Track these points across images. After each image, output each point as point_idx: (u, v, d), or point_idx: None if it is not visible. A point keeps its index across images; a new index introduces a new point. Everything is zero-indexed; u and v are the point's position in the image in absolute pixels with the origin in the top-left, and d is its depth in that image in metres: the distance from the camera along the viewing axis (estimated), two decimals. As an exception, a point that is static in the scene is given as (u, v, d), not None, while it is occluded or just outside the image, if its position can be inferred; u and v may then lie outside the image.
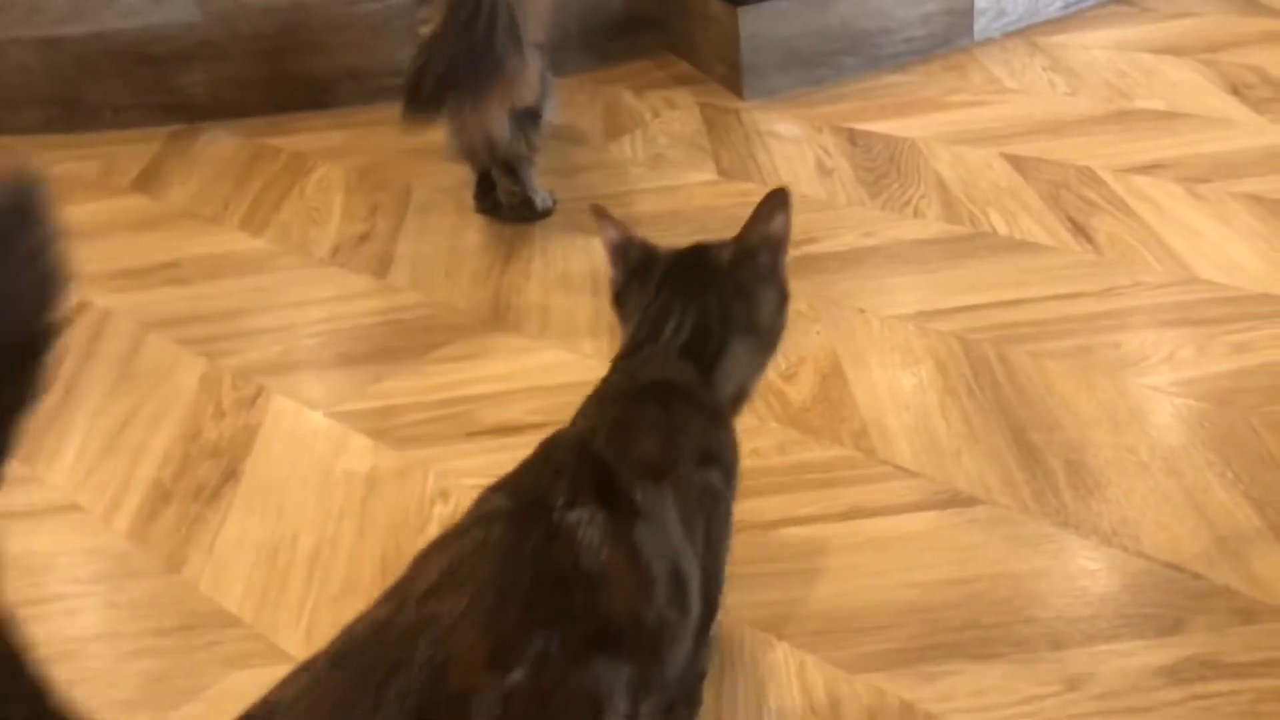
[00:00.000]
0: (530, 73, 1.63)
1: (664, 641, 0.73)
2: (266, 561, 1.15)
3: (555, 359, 1.43)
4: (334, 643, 0.68)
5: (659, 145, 1.96)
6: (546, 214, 1.77)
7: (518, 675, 0.63)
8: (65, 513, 1.26)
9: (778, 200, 0.94)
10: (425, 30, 1.62)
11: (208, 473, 1.29)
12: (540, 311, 1.53)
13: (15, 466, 1.31)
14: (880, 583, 1.05)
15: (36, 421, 1.40)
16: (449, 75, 1.53)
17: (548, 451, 0.84)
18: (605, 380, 0.91)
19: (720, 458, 0.87)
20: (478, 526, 0.73)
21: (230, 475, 1.28)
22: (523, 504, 0.76)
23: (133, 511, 1.24)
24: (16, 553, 1.21)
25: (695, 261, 0.97)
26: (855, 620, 1.01)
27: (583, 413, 0.89)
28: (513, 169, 1.73)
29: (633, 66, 2.30)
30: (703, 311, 0.92)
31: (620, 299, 0.98)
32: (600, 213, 0.99)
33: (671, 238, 1.64)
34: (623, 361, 0.93)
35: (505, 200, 1.77)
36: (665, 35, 2.33)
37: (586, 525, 0.72)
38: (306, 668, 0.67)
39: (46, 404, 1.42)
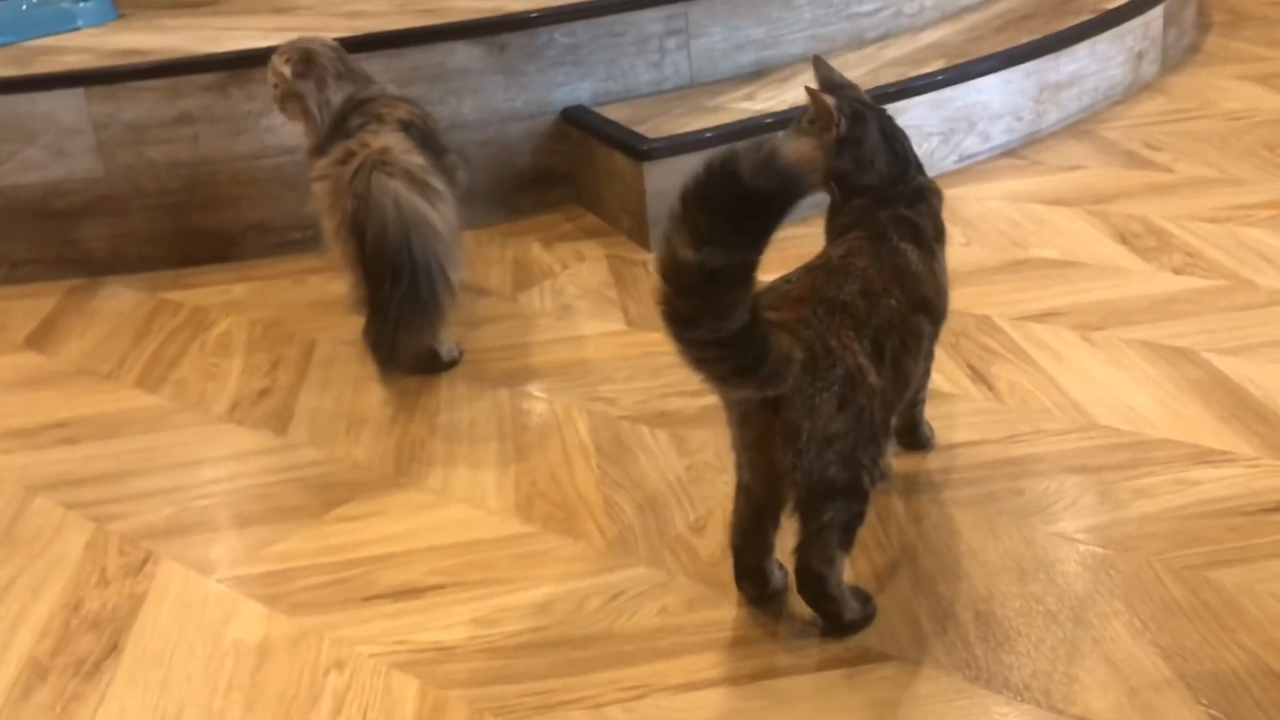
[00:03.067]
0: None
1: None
2: (146, 742, 1.08)
3: (459, 515, 1.40)
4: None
5: (567, 296, 1.97)
6: (453, 365, 1.76)
7: (891, 302, 1.14)
8: (-71, 694, 1.18)
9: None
10: (328, 215, 1.67)
11: (88, 646, 1.22)
12: (444, 466, 1.50)
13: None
14: (792, 747, 1.02)
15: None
16: (406, 338, 1.63)
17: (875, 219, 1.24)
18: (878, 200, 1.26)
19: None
20: (849, 243, 1.21)
21: (112, 648, 1.21)
22: (875, 235, 1.22)
23: (4, 690, 1.16)
24: (-128, 740, 1.12)
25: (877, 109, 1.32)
26: (767, 789, 0.98)
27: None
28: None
29: (542, 219, 2.32)
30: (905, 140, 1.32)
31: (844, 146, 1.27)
32: (819, 62, 1.37)
33: (580, 388, 1.65)
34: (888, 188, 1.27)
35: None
36: (573, 188, 2.37)
37: (910, 250, 1.21)
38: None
39: (-83, 574, 1.34)
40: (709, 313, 0.97)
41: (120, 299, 2.12)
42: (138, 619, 1.26)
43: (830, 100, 1.26)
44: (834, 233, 1.30)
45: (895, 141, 1.30)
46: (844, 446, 1.08)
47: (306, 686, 1.14)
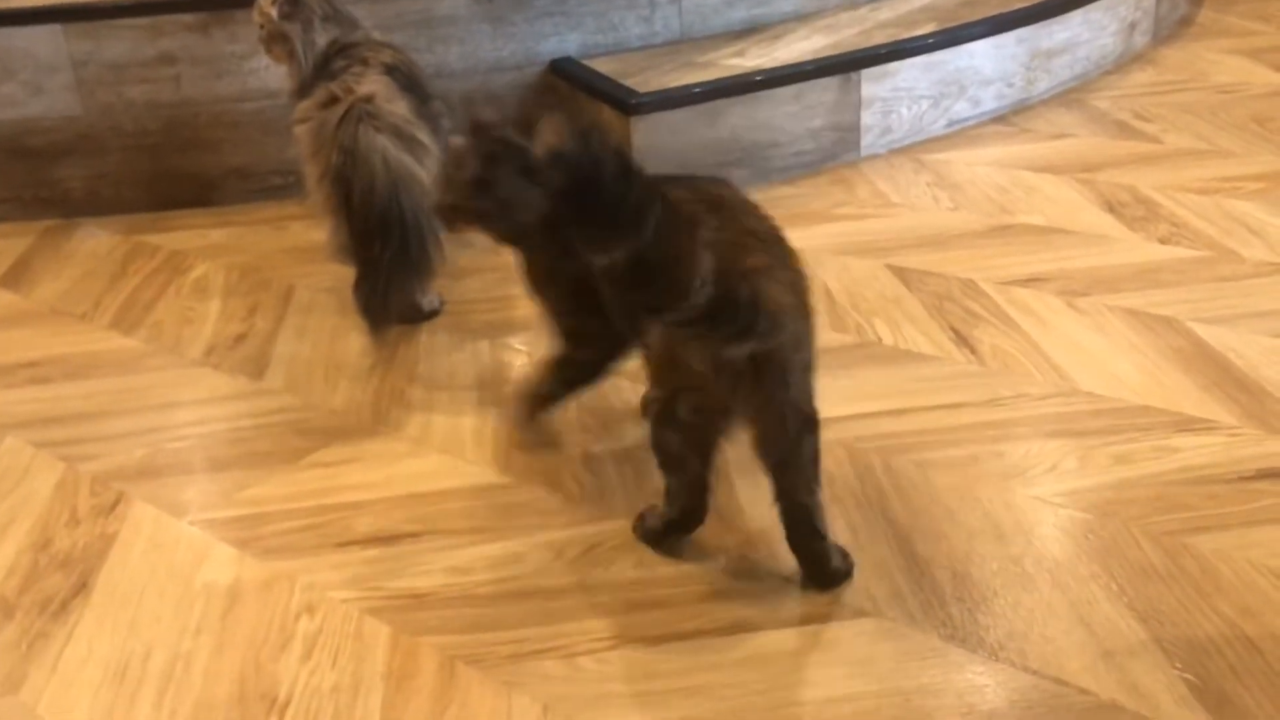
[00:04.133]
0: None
1: None
2: (114, 680, 1.07)
3: (436, 465, 1.38)
4: None
5: (550, 250, 1.94)
6: (434, 315, 1.74)
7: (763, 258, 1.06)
8: (-108, 629, 1.16)
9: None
10: (311, 161, 1.64)
11: (56, 585, 1.20)
12: (423, 415, 1.48)
13: None
14: (764, 701, 1.01)
15: None
16: (398, 297, 1.61)
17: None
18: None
19: None
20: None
21: (81, 588, 1.20)
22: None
23: (-32, 628, 1.15)
24: None
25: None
26: (739, 741, 0.97)
27: None
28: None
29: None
30: None
31: None
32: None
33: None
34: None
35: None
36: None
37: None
38: None
39: (-118, 510, 1.32)
40: (668, 296, 0.96)
41: (96, 240, 2.09)
42: (107, 560, 1.24)
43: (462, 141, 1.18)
44: None
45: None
46: (811, 375, 1.10)
47: (277, 630, 1.12)
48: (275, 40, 1.78)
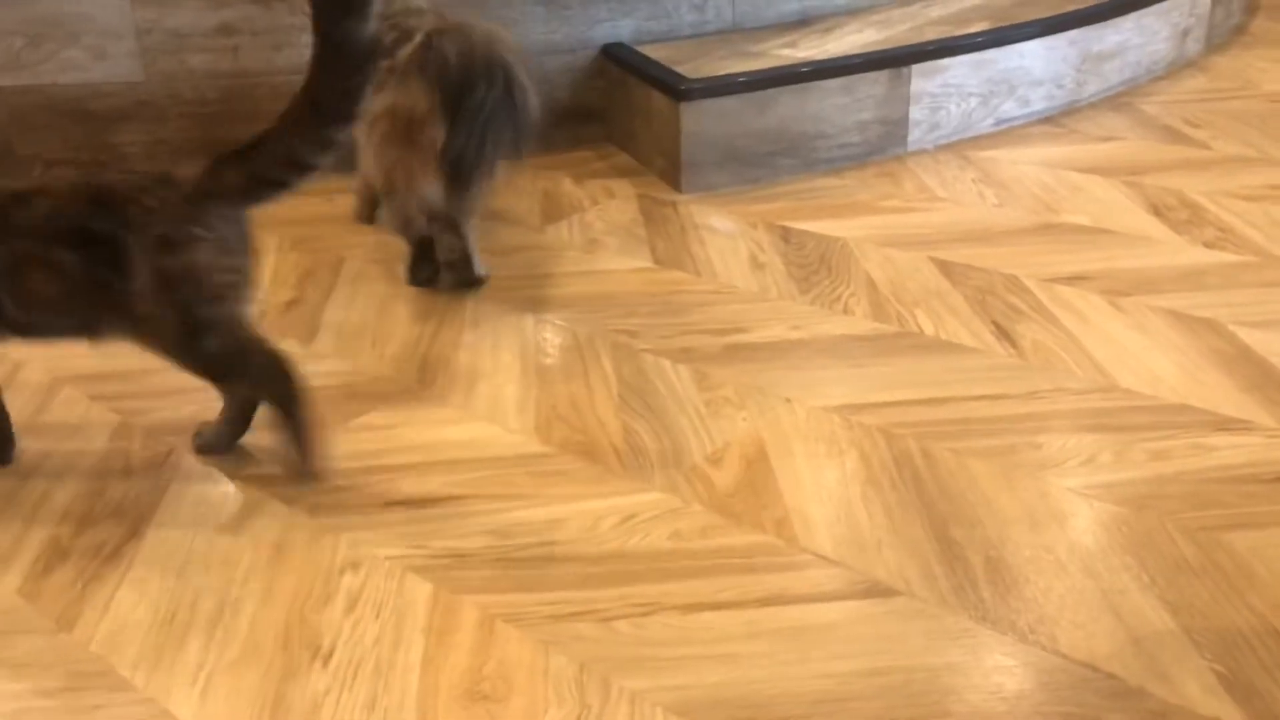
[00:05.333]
0: None
1: None
2: (164, 624, 1.10)
3: (479, 433, 1.41)
4: None
5: (595, 231, 1.97)
6: (481, 282, 1.77)
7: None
8: (-47, 565, 1.20)
9: None
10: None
11: (110, 531, 1.24)
12: (467, 385, 1.51)
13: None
14: (795, 671, 1.03)
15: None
16: (493, 148, 1.62)
17: None
18: None
19: None
20: None
21: (133, 534, 1.23)
22: None
23: (26, 568, 1.19)
24: (-104, 605, 1.15)
25: None
26: (769, 708, 0.99)
27: None
28: (456, 224, 1.73)
29: (574, 155, 2.32)
30: None
31: None
32: None
33: (603, 320, 1.65)
34: None
35: (446, 258, 1.76)
36: (608, 127, 2.36)
37: None
38: None
39: (-56, 453, 1.36)
40: None
41: (152, 205, 2.13)
42: (159, 509, 1.28)
43: None
44: None
45: None
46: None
47: (321, 584, 1.15)
48: None
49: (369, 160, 1.71)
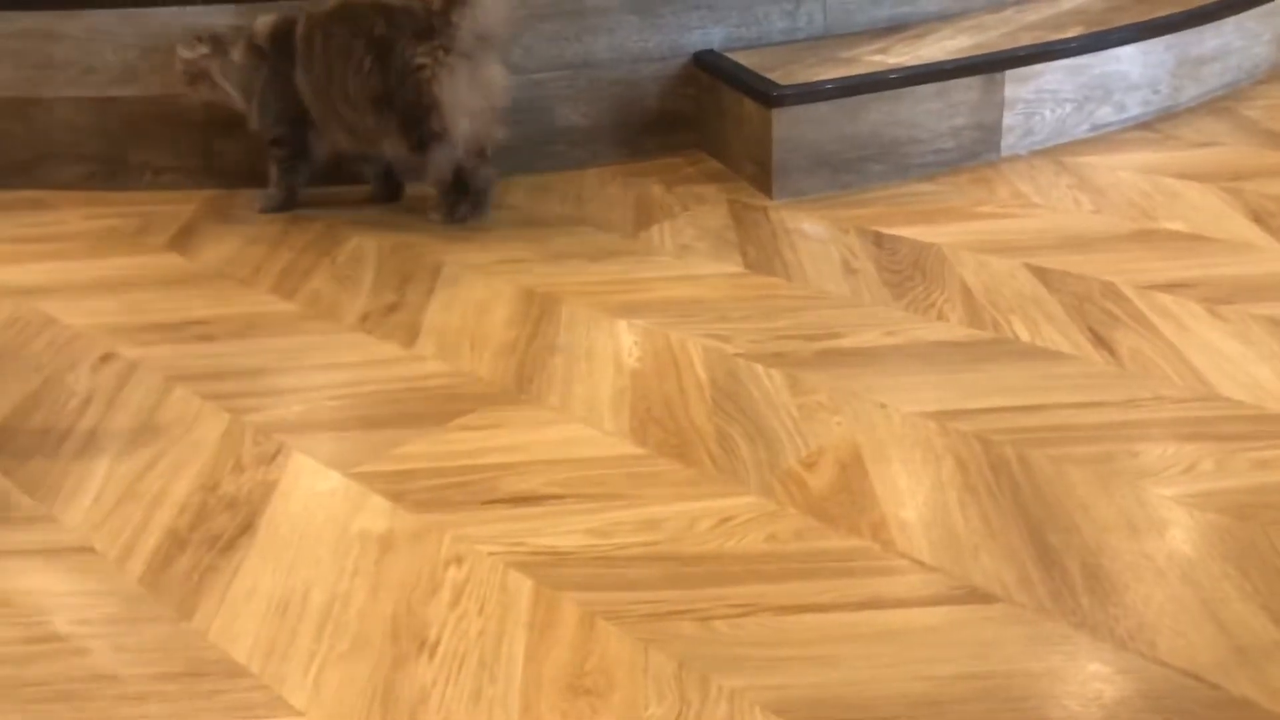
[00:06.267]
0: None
1: None
2: (277, 614, 1.15)
3: (575, 434, 1.44)
4: None
5: (686, 236, 1.99)
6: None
7: None
8: (79, 554, 1.26)
9: None
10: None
11: (224, 524, 1.29)
12: (563, 387, 1.54)
13: (32, 506, 1.32)
14: (893, 674, 1.04)
15: (56, 464, 1.41)
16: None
17: None
18: None
19: None
20: None
21: (246, 528, 1.28)
22: None
23: (146, 557, 1.24)
24: (26, 590, 1.21)
25: None
26: (868, 710, 1.00)
27: None
28: (486, 152, 2.06)
29: (664, 161, 2.35)
30: None
31: None
32: None
33: (696, 324, 1.68)
34: None
35: (484, 186, 2.09)
36: (697, 133, 2.38)
37: None
38: None
39: (68, 448, 1.43)
40: None
41: (256, 211, 2.20)
42: (270, 504, 1.33)
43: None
44: None
45: None
46: None
47: (427, 577, 1.19)
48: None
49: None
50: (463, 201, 2.09)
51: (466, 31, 1.93)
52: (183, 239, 2.10)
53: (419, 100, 1.95)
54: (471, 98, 1.97)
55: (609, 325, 1.70)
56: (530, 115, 2.30)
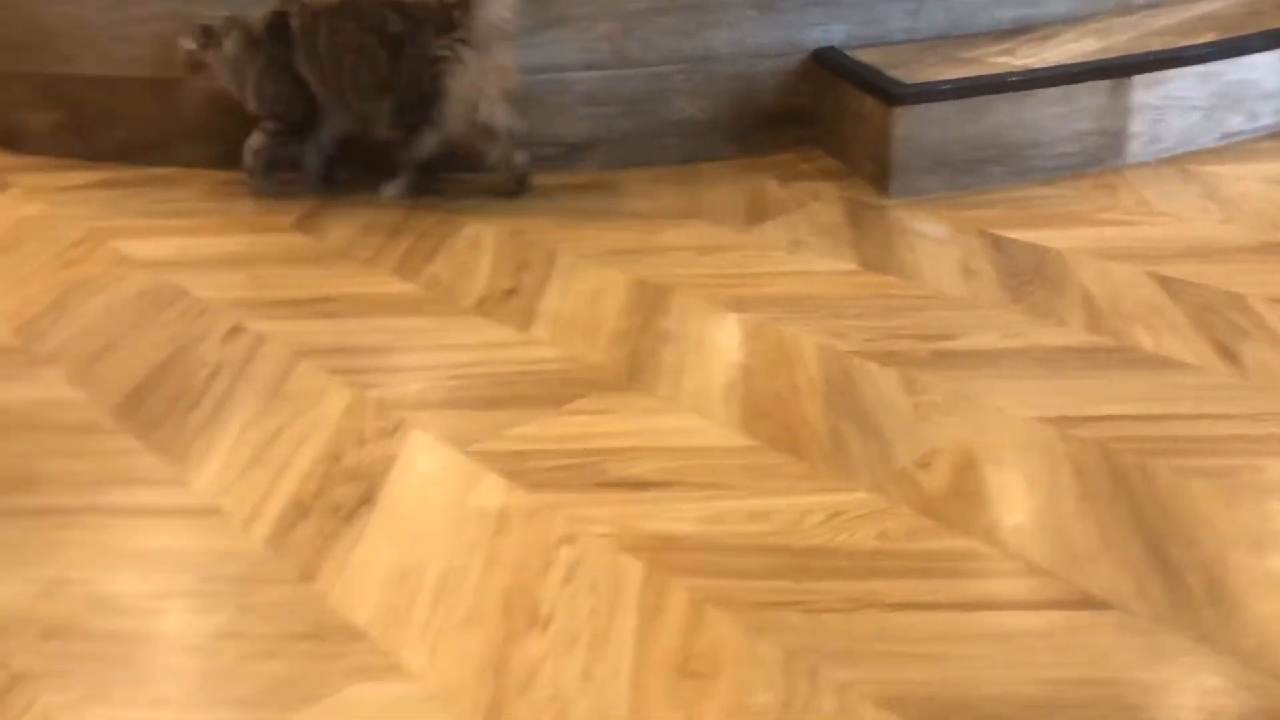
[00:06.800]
0: None
1: None
2: (395, 584, 1.18)
3: (686, 422, 1.45)
4: None
5: (800, 233, 1.99)
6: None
7: None
8: (207, 516, 1.31)
9: None
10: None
11: (346, 494, 1.33)
12: (674, 376, 1.56)
13: (162, 468, 1.38)
14: (1006, 675, 1.03)
15: (186, 430, 1.46)
16: None
17: None
18: None
19: None
20: None
21: (366, 499, 1.32)
22: None
23: (271, 522, 1.29)
24: (157, 548, 1.26)
25: None
26: (979, 708, 1.00)
27: None
28: (497, 134, 2.17)
29: (779, 158, 2.34)
30: None
31: None
32: None
33: (809, 320, 1.67)
34: None
35: (524, 169, 2.22)
36: (814, 130, 2.37)
37: None
38: None
39: (197, 415, 1.49)
40: None
41: (378, 196, 2.25)
42: (389, 477, 1.36)
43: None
44: None
45: None
46: None
47: (540, 555, 1.21)
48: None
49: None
50: (431, 180, 2.24)
51: (481, 24, 2.05)
52: (308, 221, 2.16)
53: (430, 88, 2.08)
54: (478, 87, 2.09)
55: (720, 318, 1.71)
56: (646, 108, 2.32)
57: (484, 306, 1.78)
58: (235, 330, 1.73)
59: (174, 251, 2.04)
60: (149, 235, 2.12)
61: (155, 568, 1.23)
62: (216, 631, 1.12)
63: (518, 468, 1.36)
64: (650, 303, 1.77)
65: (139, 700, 1.06)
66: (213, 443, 1.44)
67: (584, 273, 1.88)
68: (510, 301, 1.79)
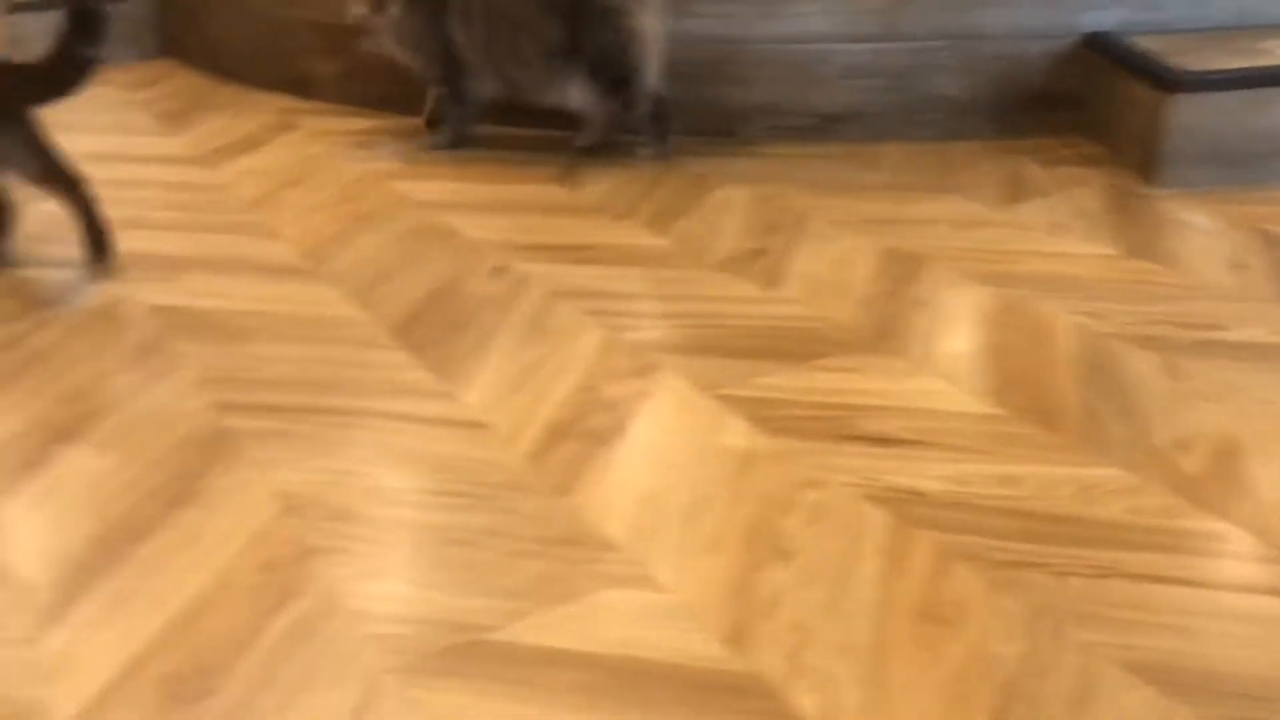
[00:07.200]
0: None
1: None
2: (644, 507, 1.24)
3: (935, 386, 1.46)
4: None
5: (1060, 215, 1.95)
6: None
7: None
8: (474, 428, 1.40)
9: None
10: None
11: (600, 422, 1.40)
12: (924, 341, 1.56)
13: (434, 383, 1.47)
14: (1256, 656, 1.00)
15: (456, 352, 1.56)
16: None
17: None
18: None
19: None
20: None
21: (619, 429, 1.38)
22: None
23: (532, 439, 1.37)
24: (427, 452, 1.36)
25: None
26: (1231, 684, 0.98)
27: None
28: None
29: (1041, 141, 2.29)
30: None
31: None
32: None
33: (1066, 300, 1.65)
34: None
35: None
36: (1079, 115, 2.31)
37: None
38: None
39: (466, 340, 1.58)
40: None
41: (632, 156, 2.32)
42: (640, 411, 1.42)
43: None
44: None
45: None
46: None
47: (784, 495, 1.25)
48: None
49: None
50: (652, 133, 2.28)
51: None
52: (566, 174, 2.25)
53: (616, 39, 2.13)
54: (658, 31, 2.14)
55: (974, 291, 1.70)
56: (907, 82, 2.31)
57: (732, 264, 1.83)
58: (500, 269, 1.83)
59: (445, 194, 2.17)
60: (422, 178, 2.25)
61: (428, 468, 1.32)
62: (482, 529, 1.21)
63: (764, 414, 1.40)
64: (901, 271, 1.77)
65: (413, 581, 1.15)
66: (480, 366, 1.54)
67: (834, 238, 1.90)
68: (758, 261, 1.83)
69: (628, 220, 2.02)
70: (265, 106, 2.75)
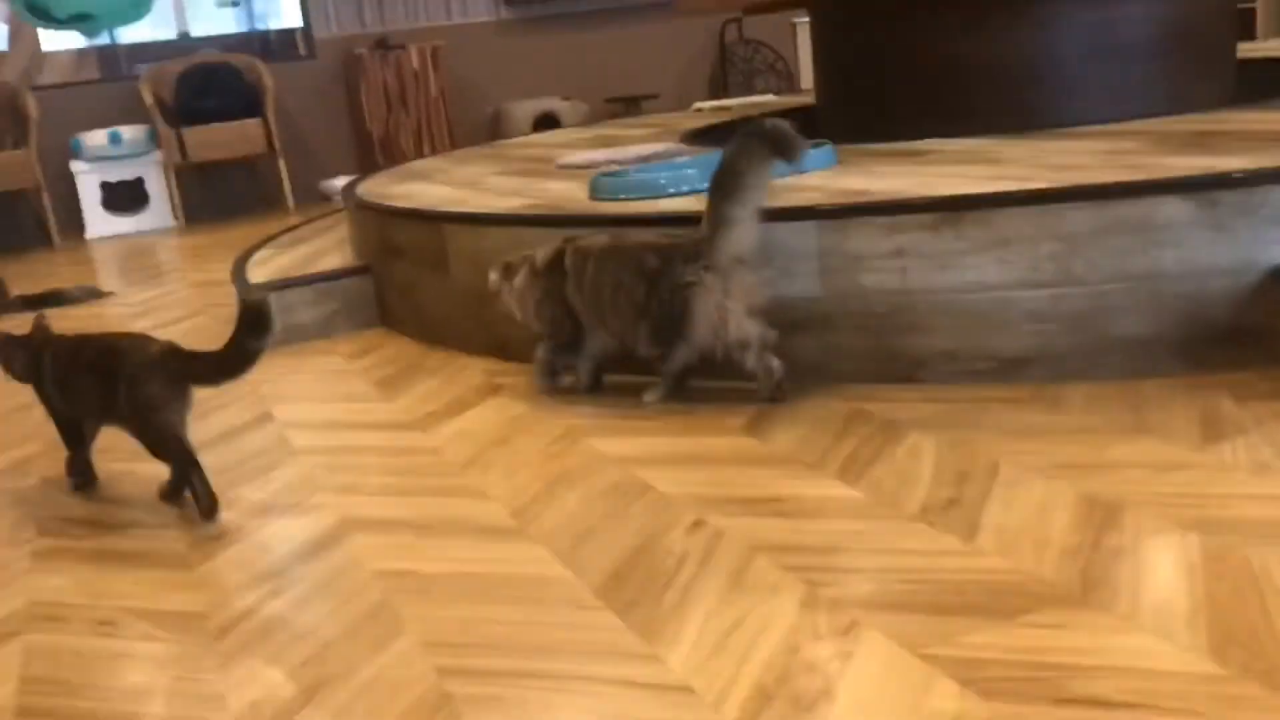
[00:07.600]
0: None
1: None
2: (857, 775, 1.24)
3: (1146, 643, 1.43)
4: None
5: (1264, 454, 1.91)
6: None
7: None
8: (681, 693, 1.43)
9: None
10: None
11: (806, 684, 1.42)
12: (1130, 595, 1.54)
13: (640, 644, 1.53)
14: None
15: (659, 612, 1.62)
16: None
17: None
18: None
19: None
20: None
21: (825, 692, 1.40)
22: None
23: (739, 704, 1.39)
24: (635, 716, 1.39)
25: None
26: None
27: None
28: (751, 345, 2.41)
29: (1233, 376, 2.27)
30: None
31: None
32: None
33: (1276, 546, 1.60)
34: None
35: (780, 374, 2.42)
36: (1272, 348, 2.29)
37: None
38: None
39: (668, 599, 1.64)
40: None
41: (821, 403, 2.40)
42: (845, 675, 1.44)
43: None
44: None
45: None
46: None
47: (1000, 764, 1.23)
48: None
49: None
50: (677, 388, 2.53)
51: (723, 254, 2.34)
52: (755, 424, 2.33)
53: (679, 310, 2.37)
54: (724, 306, 2.35)
55: (1180, 538, 1.67)
56: (1087, 324, 2.34)
57: (927, 514, 1.85)
58: (697, 524, 1.90)
59: (640, 450, 2.27)
60: (618, 434, 2.37)
61: (639, 735, 1.36)
62: (696, 800, 1.23)
63: (973, 676, 1.39)
64: (1100, 519, 1.76)
65: None
66: (682, 625, 1.58)
67: (1028, 485, 1.91)
68: (952, 511, 1.85)
69: (819, 470, 2.07)
70: (472, 369, 2.96)
